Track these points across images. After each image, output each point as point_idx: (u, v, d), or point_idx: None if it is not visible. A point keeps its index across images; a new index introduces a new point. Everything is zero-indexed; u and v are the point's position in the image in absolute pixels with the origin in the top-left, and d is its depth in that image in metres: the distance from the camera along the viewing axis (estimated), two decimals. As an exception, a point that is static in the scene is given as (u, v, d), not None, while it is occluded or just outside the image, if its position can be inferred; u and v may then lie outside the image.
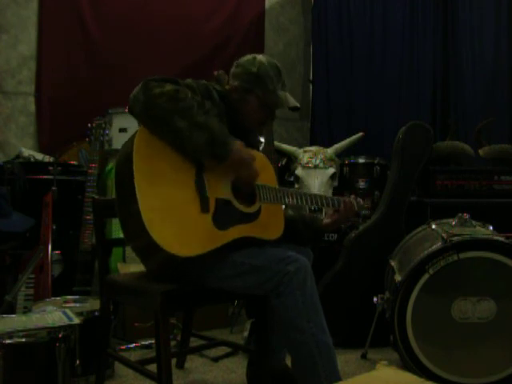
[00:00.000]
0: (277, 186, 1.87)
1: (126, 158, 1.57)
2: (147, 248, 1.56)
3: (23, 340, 1.64)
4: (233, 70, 1.89)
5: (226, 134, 1.63)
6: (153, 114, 1.56)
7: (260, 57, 1.88)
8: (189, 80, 1.76)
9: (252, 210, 1.76)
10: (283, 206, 2.02)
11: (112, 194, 2.93)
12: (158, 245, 1.49)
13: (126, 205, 1.57)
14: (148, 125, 1.60)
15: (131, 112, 1.62)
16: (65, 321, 1.73)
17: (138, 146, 1.56)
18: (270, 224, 1.82)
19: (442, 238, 2.08)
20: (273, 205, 1.83)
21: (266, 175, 1.87)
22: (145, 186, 1.53)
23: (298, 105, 1.89)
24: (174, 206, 1.57)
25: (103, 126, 2.87)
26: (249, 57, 1.89)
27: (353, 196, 2.01)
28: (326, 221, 1.98)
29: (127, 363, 1.88)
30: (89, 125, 2.89)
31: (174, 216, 1.56)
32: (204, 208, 1.62)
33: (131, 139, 1.60)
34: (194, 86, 1.73)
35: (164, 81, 1.62)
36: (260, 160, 1.88)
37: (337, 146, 3.35)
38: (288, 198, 1.84)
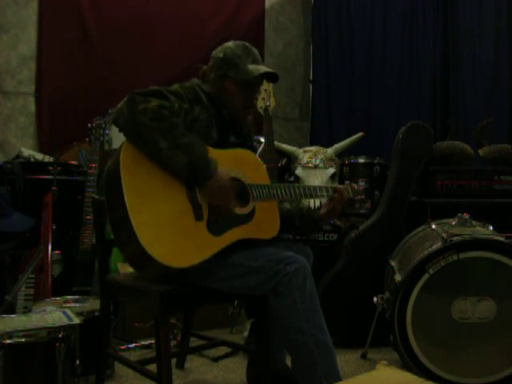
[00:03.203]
0: (269, 183, 1.86)
1: (114, 173, 1.56)
2: (143, 260, 1.56)
3: (23, 340, 1.64)
4: (208, 64, 1.90)
5: (206, 158, 1.60)
6: (135, 131, 1.56)
7: (227, 43, 1.88)
8: (176, 86, 1.74)
9: (246, 210, 1.75)
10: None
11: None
12: (154, 259, 1.49)
13: (118, 220, 1.56)
14: (131, 140, 1.59)
15: (116, 124, 1.61)
16: (65, 321, 1.73)
17: (125, 161, 1.56)
18: (265, 223, 1.81)
19: (442, 237, 2.08)
20: (267, 202, 1.83)
21: (258, 174, 1.86)
22: (136, 201, 1.52)
23: (272, 70, 1.84)
24: (168, 218, 1.56)
25: (103, 125, 2.87)
26: (218, 47, 1.89)
27: (347, 182, 2.01)
28: (323, 211, 1.97)
29: (127, 363, 1.88)
30: (89, 125, 2.89)
31: (168, 228, 1.56)
32: (198, 216, 1.62)
33: (118, 152, 1.59)
34: (182, 92, 1.72)
35: (150, 95, 1.60)
36: (251, 159, 1.88)
37: (337, 145, 3.35)
38: (281, 193, 1.83)
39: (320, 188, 1.93)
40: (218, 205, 1.64)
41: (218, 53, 1.86)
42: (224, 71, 1.83)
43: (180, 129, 1.59)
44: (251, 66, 1.82)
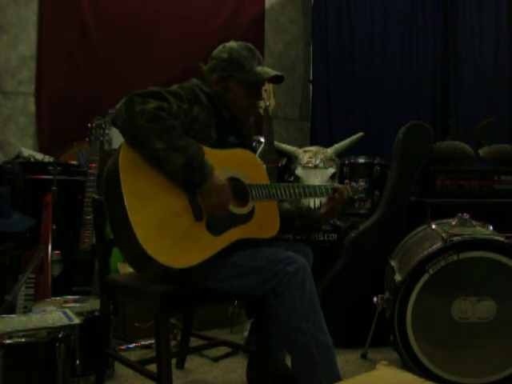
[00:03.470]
0: (269, 183, 1.86)
1: (113, 173, 1.56)
2: (143, 261, 1.56)
3: (23, 340, 1.64)
4: (208, 64, 1.88)
5: (202, 160, 1.60)
6: (133, 132, 1.56)
7: (230, 43, 1.87)
8: (175, 86, 1.74)
9: (246, 210, 1.75)
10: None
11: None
12: (154, 259, 1.49)
13: (118, 220, 1.56)
14: (128, 141, 1.59)
15: (114, 125, 1.61)
16: (65, 321, 1.73)
17: (124, 162, 1.56)
18: (265, 222, 1.81)
19: (442, 237, 2.08)
20: (267, 202, 1.83)
21: (257, 174, 1.86)
22: (135, 202, 1.52)
23: (279, 73, 1.85)
24: (167, 219, 1.56)
25: (103, 125, 2.87)
26: (219, 47, 1.88)
27: (346, 181, 2.01)
28: (323, 210, 1.97)
29: (127, 363, 1.88)
30: (89, 125, 2.89)
31: (168, 228, 1.56)
32: (197, 216, 1.62)
33: (118, 152, 1.59)
34: (181, 92, 1.71)
35: (148, 96, 1.60)
36: (250, 159, 1.88)
37: (337, 145, 3.35)
38: (281, 192, 1.82)
39: (320, 187, 1.93)
40: (215, 207, 1.63)
41: (221, 53, 1.84)
42: (229, 72, 1.82)
43: (177, 131, 1.58)
44: (259, 69, 1.83)
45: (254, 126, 2.07)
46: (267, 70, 1.83)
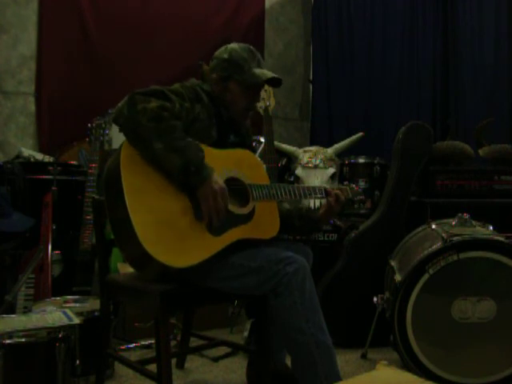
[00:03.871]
0: (269, 183, 1.87)
1: (114, 172, 1.56)
2: (143, 260, 1.56)
3: (23, 340, 1.64)
4: (210, 64, 1.89)
5: (201, 163, 1.59)
6: (134, 130, 1.56)
7: (232, 44, 1.88)
8: (177, 85, 1.74)
9: (246, 210, 1.75)
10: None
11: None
12: (154, 258, 1.49)
13: (118, 219, 1.57)
14: (129, 139, 1.60)
15: (115, 123, 1.61)
16: (65, 321, 1.73)
17: (125, 161, 1.56)
18: (265, 223, 1.81)
19: (442, 237, 2.08)
20: (267, 202, 1.83)
21: (257, 174, 1.86)
22: (136, 201, 1.52)
23: (276, 75, 1.84)
24: (168, 218, 1.56)
25: (103, 125, 2.87)
26: (221, 48, 1.89)
27: (346, 183, 2.02)
28: (322, 211, 1.97)
29: (127, 363, 1.88)
30: (89, 125, 2.89)
31: (169, 228, 1.56)
32: (198, 216, 1.62)
33: (118, 151, 1.59)
34: (183, 91, 1.72)
35: (150, 94, 1.60)
36: (250, 159, 1.88)
37: (337, 145, 3.35)
38: (281, 193, 1.82)
39: (320, 188, 1.93)
40: (212, 210, 1.62)
41: (222, 54, 1.86)
42: (229, 73, 1.82)
43: (178, 132, 1.58)
44: (257, 70, 1.83)
45: (253, 126, 2.07)
46: (265, 72, 1.84)
